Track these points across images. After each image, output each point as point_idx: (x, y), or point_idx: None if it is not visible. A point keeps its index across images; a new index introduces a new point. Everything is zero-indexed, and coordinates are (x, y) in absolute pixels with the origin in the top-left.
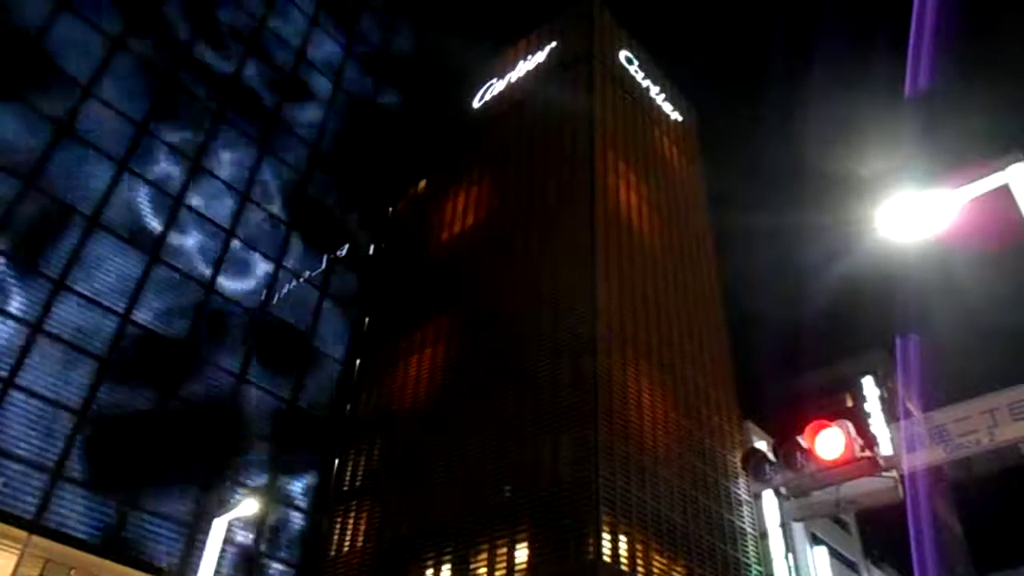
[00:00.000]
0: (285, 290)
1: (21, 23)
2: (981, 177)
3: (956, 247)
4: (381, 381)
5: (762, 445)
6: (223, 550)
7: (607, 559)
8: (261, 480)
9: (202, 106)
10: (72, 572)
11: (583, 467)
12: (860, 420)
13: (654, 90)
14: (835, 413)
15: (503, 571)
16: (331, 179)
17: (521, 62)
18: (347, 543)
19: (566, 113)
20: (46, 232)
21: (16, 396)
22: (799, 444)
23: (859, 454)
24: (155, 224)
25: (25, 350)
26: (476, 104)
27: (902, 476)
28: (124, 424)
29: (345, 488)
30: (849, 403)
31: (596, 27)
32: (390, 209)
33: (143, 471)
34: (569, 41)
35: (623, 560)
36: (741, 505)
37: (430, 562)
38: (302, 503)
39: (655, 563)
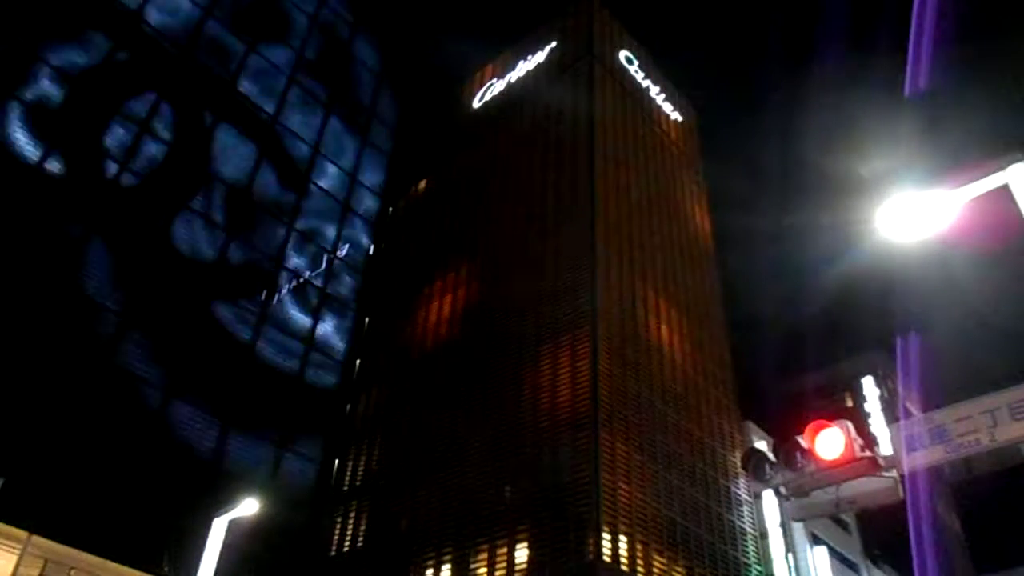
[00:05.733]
0: (285, 290)
1: None
2: (981, 177)
3: (956, 247)
4: (381, 381)
5: (762, 445)
6: (223, 550)
7: (607, 559)
8: (262, 480)
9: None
10: (72, 572)
11: (583, 467)
12: (860, 420)
13: (654, 90)
14: (835, 413)
15: (503, 571)
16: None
17: (521, 62)
18: (347, 543)
19: (566, 113)
20: None
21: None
22: (799, 444)
23: (859, 454)
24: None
25: None
26: (476, 104)
27: (902, 476)
28: (125, 422)
29: (345, 488)
30: (849, 403)
31: (596, 27)
32: (390, 209)
33: (143, 470)
34: (569, 41)
35: (623, 560)
36: (741, 505)
37: (430, 562)
38: (302, 503)
39: (655, 563)
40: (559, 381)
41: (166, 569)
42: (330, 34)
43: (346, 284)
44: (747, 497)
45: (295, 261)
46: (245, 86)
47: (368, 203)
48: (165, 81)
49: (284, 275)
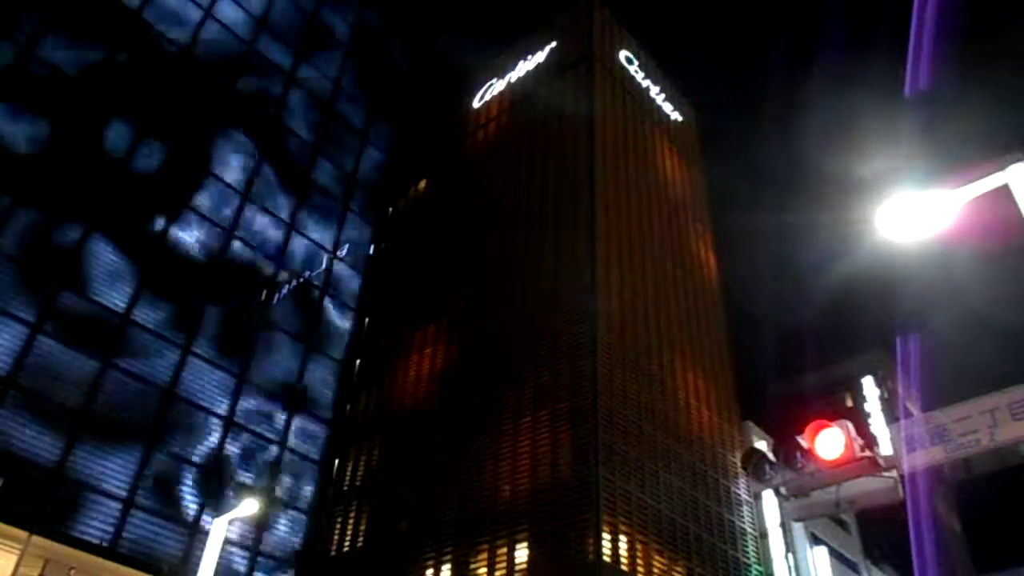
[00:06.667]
0: (285, 290)
1: None
2: (981, 177)
3: (956, 247)
4: (381, 381)
5: (762, 445)
6: (223, 550)
7: (607, 559)
8: (261, 480)
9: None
10: (72, 572)
11: (583, 467)
12: (860, 420)
13: (654, 90)
14: (835, 413)
15: (503, 571)
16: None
17: (521, 62)
18: (347, 543)
19: (566, 113)
20: None
21: (16, 396)
22: (799, 444)
23: (859, 454)
24: (157, 223)
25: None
26: (476, 104)
27: (902, 476)
28: (123, 423)
29: (345, 488)
30: (849, 403)
31: (596, 27)
32: (390, 209)
33: (143, 471)
34: (569, 41)
35: (623, 560)
36: (741, 505)
37: (430, 562)
38: (302, 503)
39: (655, 563)
40: (559, 381)
41: (166, 569)
42: (330, 34)
43: (346, 284)
44: (747, 497)
45: (295, 261)
46: (245, 85)
47: (368, 203)
48: (165, 81)
49: (284, 275)
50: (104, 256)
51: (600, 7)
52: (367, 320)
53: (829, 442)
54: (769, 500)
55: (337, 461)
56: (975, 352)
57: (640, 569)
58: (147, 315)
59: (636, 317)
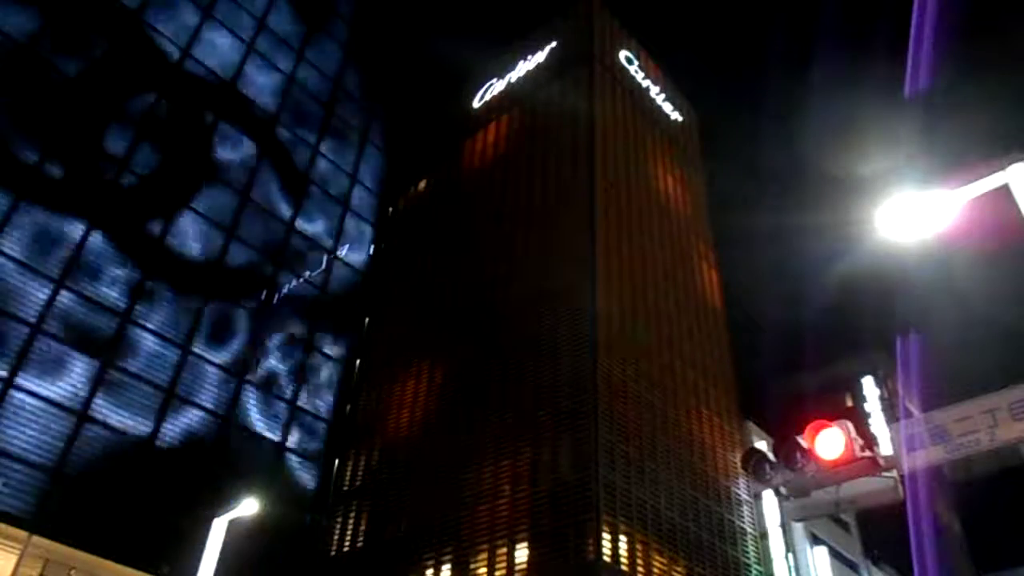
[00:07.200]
0: (285, 290)
1: None
2: (981, 177)
3: (956, 247)
4: (381, 381)
5: (762, 445)
6: (222, 550)
7: (607, 559)
8: (262, 480)
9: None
10: (72, 572)
11: (583, 467)
12: (860, 420)
13: (654, 90)
14: (835, 413)
15: (503, 571)
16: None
17: (521, 62)
18: (347, 543)
19: (566, 113)
20: None
21: (16, 396)
22: (799, 444)
23: (859, 454)
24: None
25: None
26: (476, 104)
27: (902, 476)
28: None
29: (345, 488)
30: (849, 403)
31: (596, 27)
32: (390, 209)
33: (143, 470)
34: (569, 41)
35: (623, 560)
36: (741, 505)
37: (430, 562)
38: (303, 503)
39: (655, 563)
40: (559, 381)
41: (165, 570)
42: (330, 33)
43: (346, 284)
44: (747, 497)
45: (295, 261)
46: (245, 85)
47: (368, 203)
48: (165, 81)
49: (284, 275)
50: (103, 256)
51: (600, 7)
52: (367, 320)
53: (829, 442)
54: (769, 500)
55: (337, 461)
56: (975, 352)
57: (640, 569)
58: (146, 314)
59: (636, 317)
